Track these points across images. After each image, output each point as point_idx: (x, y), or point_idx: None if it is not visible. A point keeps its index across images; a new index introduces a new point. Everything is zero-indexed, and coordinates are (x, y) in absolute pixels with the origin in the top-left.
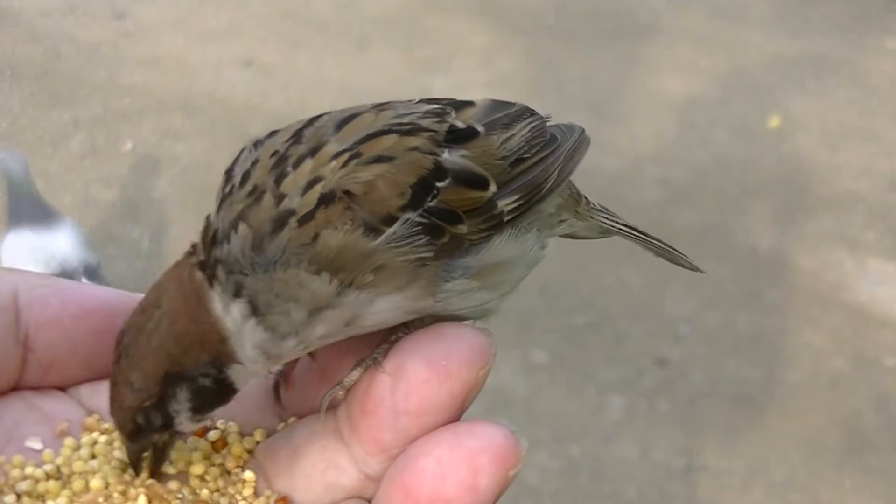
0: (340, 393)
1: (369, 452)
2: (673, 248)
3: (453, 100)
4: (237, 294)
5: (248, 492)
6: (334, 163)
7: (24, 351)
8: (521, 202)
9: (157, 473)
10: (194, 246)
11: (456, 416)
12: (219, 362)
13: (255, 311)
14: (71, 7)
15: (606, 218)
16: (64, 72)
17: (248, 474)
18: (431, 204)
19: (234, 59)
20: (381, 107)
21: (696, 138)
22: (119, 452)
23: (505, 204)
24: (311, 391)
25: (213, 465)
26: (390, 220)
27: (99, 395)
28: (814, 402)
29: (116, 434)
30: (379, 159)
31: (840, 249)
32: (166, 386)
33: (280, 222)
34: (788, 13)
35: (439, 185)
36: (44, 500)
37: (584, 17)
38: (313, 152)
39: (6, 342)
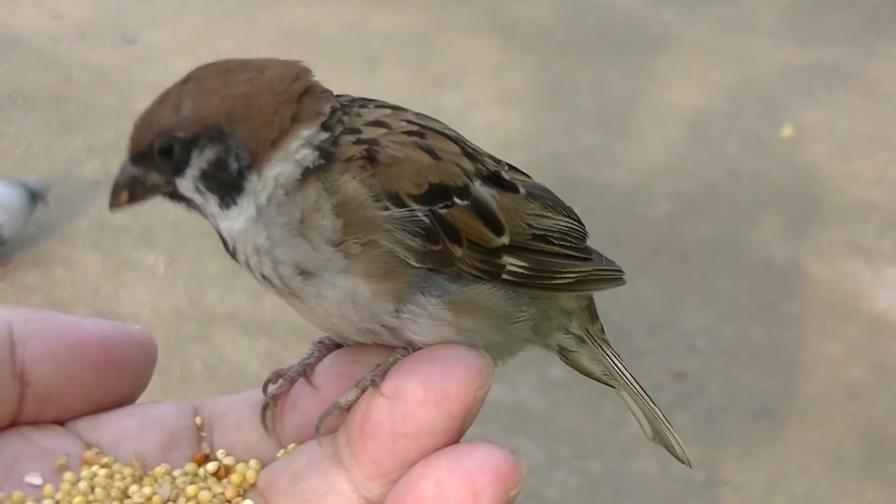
0: (336, 412)
1: (369, 476)
2: (669, 427)
3: (513, 165)
4: (331, 144)
5: None
6: (403, 123)
7: (21, 386)
8: (526, 272)
9: (113, 206)
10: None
11: (455, 437)
12: (257, 154)
13: (313, 171)
14: (82, 33)
15: (616, 360)
16: (76, 98)
17: (248, 503)
18: (441, 211)
19: None
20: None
21: (707, 151)
22: (119, 483)
23: (511, 262)
24: (310, 417)
25: (214, 494)
26: (396, 199)
27: (97, 427)
28: (833, 413)
29: (117, 466)
30: (430, 151)
31: (856, 259)
32: (207, 134)
33: (349, 131)
34: (798, 23)
35: (457, 200)
36: None
37: (594, 32)
38: (394, 108)
39: (2, 378)
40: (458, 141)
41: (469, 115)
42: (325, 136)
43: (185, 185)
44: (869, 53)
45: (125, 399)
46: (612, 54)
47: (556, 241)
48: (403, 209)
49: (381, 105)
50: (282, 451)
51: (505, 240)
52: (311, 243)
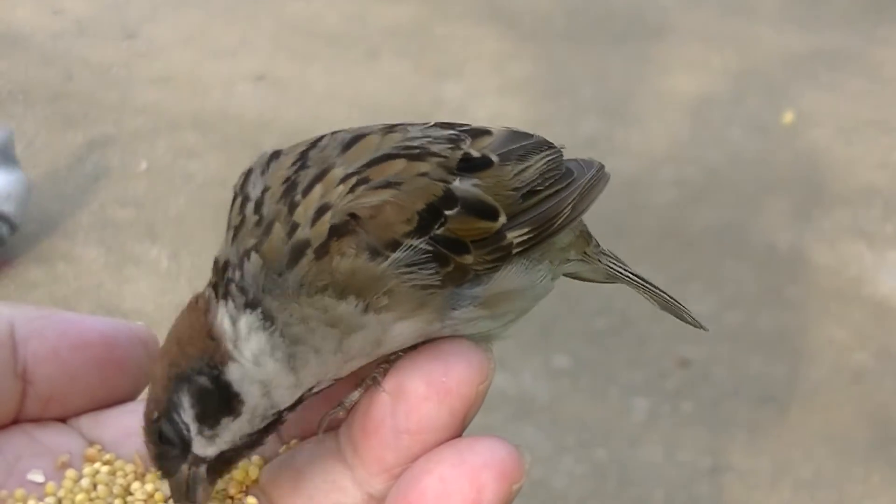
0: (341, 413)
1: (372, 473)
2: (677, 302)
3: (470, 127)
4: (251, 306)
5: None
6: (342, 187)
7: (23, 384)
8: (531, 235)
9: None
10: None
11: (457, 432)
12: (211, 358)
13: (271, 322)
14: (82, 29)
15: (614, 264)
16: (76, 94)
17: (251, 500)
18: (438, 232)
19: (246, 74)
20: (390, 128)
21: (710, 137)
22: (121, 480)
23: (514, 236)
24: (313, 413)
25: (216, 491)
26: (395, 245)
27: (99, 425)
28: (839, 397)
29: (119, 463)
30: (388, 184)
31: (859, 243)
32: (171, 392)
33: (298, 252)
34: (799, 8)
35: (448, 213)
36: None
37: (594, 20)
38: (321, 176)
39: (4, 377)
40: (398, 153)
41: (470, 106)
42: (232, 302)
43: (202, 446)
44: (871, 37)
45: (127, 396)
46: (613, 42)
47: (542, 187)
48: (403, 249)
49: (307, 186)
50: (283, 447)
51: (503, 219)
52: (358, 333)
